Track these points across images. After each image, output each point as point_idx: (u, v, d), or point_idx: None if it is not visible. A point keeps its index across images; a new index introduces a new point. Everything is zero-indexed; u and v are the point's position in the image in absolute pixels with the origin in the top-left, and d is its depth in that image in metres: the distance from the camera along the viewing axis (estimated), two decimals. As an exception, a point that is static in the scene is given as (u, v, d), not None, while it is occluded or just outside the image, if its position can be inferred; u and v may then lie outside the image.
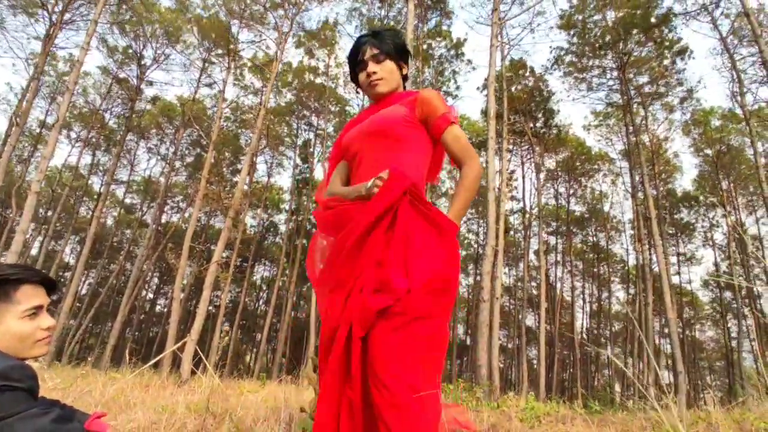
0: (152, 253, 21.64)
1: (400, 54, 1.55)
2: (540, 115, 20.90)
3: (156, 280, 32.46)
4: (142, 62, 19.29)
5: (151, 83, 20.43)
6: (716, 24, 15.25)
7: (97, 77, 21.37)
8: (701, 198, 24.72)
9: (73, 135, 23.31)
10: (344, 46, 21.46)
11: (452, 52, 19.57)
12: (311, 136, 24.55)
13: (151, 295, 33.39)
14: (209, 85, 19.93)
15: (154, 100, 21.82)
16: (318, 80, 21.66)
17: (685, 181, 37.78)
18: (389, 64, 1.51)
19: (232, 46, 16.74)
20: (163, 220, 26.08)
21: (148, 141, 24.40)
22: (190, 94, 19.64)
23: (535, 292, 27.90)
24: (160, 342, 25.43)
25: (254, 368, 22.47)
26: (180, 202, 27.58)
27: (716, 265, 25.54)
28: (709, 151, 21.81)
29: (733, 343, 25.37)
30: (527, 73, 19.92)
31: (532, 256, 26.66)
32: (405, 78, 1.60)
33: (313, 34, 19.33)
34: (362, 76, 1.53)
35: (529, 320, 30.20)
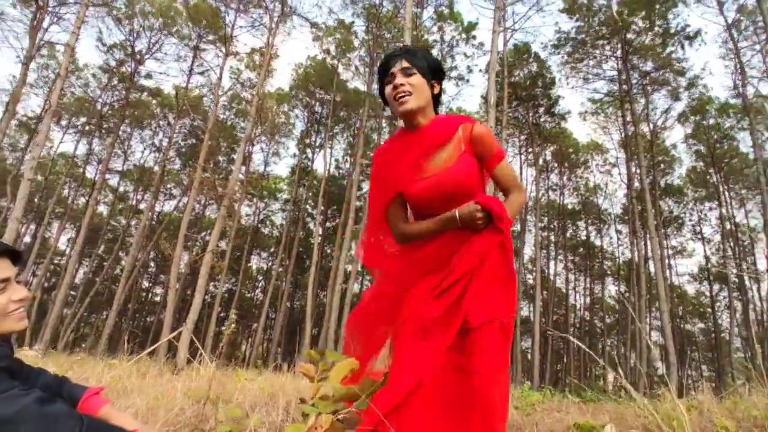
0: (147, 242, 21.55)
1: (432, 72, 1.51)
2: (542, 102, 20.70)
3: (152, 269, 32.37)
4: (136, 50, 19.05)
5: (150, 76, 20.28)
6: (722, 9, 14.82)
7: (92, 68, 21.19)
8: (689, 192, 24.80)
9: (68, 123, 23.09)
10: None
11: (463, 35, 19.39)
12: (309, 124, 24.38)
13: (146, 284, 33.34)
14: (201, 73, 19.78)
15: (148, 90, 21.57)
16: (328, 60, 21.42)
17: (675, 174, 37.56)
18: (418, 79, 1.46)
19: (223, 32, 16.57)
20: (156, 209, 25.95)
21: (142, 131, 24.21)
22: (183, 83, 19.45)
23: (531, 282, 28.02)
24: (155, 331, 25.43)
25: (250, 357, 22.56)
26: (172, 189, 27.43)
27: (706, 258, 25.67)
28: (702, 148, 21.84)
29: (724, 335, 25.65)
30: (531, 59, 19.62)
31: (527, 249, 26.77)
32: (438, 98, 1.56)
33: (331, 31, 19.77)
34: (388, 89, 1.48)
35: (524, 311, 30.37)
